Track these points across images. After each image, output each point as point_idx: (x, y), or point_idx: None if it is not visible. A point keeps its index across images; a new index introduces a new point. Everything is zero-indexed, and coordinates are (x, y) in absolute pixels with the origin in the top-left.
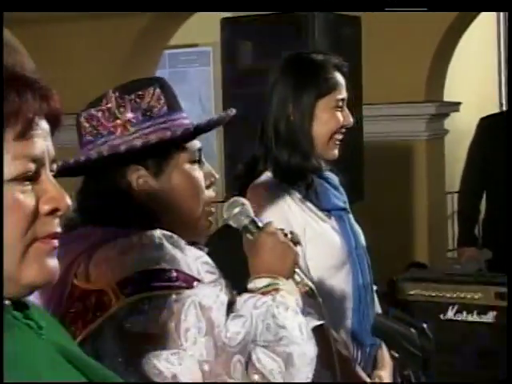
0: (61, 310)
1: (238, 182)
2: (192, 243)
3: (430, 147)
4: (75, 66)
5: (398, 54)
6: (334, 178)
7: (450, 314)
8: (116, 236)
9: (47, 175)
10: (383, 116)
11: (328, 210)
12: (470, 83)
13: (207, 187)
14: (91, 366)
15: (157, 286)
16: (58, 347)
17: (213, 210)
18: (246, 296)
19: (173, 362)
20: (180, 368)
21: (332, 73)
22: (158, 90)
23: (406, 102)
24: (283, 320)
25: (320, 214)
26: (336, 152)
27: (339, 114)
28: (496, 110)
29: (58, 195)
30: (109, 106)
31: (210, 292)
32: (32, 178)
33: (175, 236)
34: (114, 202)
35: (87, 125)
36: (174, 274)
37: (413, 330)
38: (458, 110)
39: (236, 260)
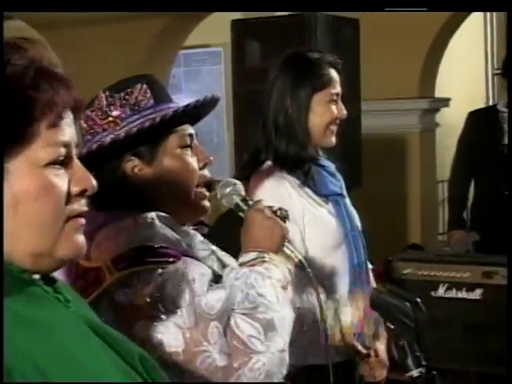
0: None
1: (244, 170)
2: (195, 225)
3: (423, 139)
4: (96, 65)
5: (393, 54)
6: (331, 166)
7: (441, 291)
8: (115, 219)
9: (75, 159)
10: (380, 110)
11: (325, 196)
12: (459, 81)
13: (201, 169)
14: (117, 339)
15: (145, 261)
16: (84, 320)
17: (206, 192)
18: (229, 269)
19: (158, 330)
20: (165, 336)
21: (327, 70)
22: (144, 86)
23: (400, 97)
24: (261, 289)
25: (317, 198)
26: (333, 140)
27: (333, 107)
28: (483, 105)
29: (86, 177)
30: (100, 105)
31: (193, 265)
32: (63, 162)
33: (168, 216)
34: (113, 189)
35: (85, 125)
36: (162, 251)
37: (407, 304)
38: (447, 106)
39: (237, 240)
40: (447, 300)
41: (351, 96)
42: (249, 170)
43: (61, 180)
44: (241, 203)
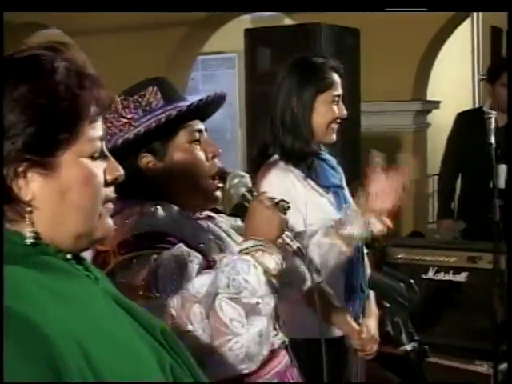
0: None
1: (253, 163)
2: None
3: (416, 137)
4: (121, 70)
5: (390, 61)
6: (332, 160)
7: (431, 274)
8: (128, 207)
9: (106, 151)
10: (377, 111)
11: (326, 187)
12: (449, 85)
13: (211, 159)
14: (140, 313)
15: (144, 247)
16: (111, 295)
17: (219, 184)
18: (221, 256)
19: (151, 309)
20: (156, 315)
21: (329, 73)
22: (155, 88)
23: (396, 100)
24: (246, 276)
25: (319, 189)
26: (334, 137)
27: (335, 108)
28: (470, 107)
29: (116, 167)
30: (116, 108)
31: (185, 252)
32: (99, 154)
33: (173, 206)
34: (130, 181)
35: (104, 126)
36: (160, 238)
37: (402, 285)
38: (438, 107)
39: None
40: (436, 282)
41: (352, 98)
42: (258, 163)
43: (99, 170)
44: (247, 194)
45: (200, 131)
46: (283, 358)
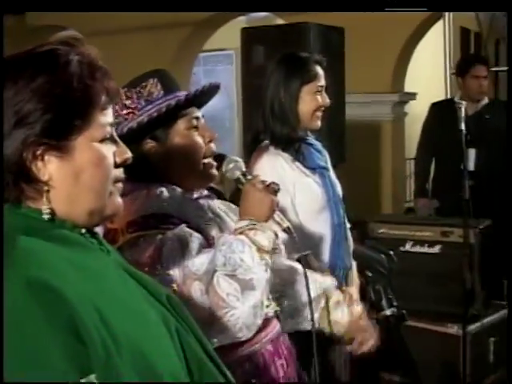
0: None
1: (247, 148)
2: (206, 196)
3: (394, 125)
4: (128, 67)
5: (372, 57)
6: (318, 144)
7: (408, 246)
8: (136, 189)
9: (115, 136)
10: (360, 102)
11: (312, 168)
12: (424, 79)
13: (208, 143)
14: (148, 281)
15: (150, 227)
16: (122, 267)
17: (213, 162)
18: (219, 235)
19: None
20: None
21: (313, 66)
22: (155, 80)
23: (376, 92)
24: (241, 254)
25: (306, 171)
26: (318, 124)
27: (319, 97)
28: (442, 98)
29: (125, 150)
30: (121, 99)
31: (188, 233)
32: (109, 138)
33: (177, 188)
34: (135, 166)
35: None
36: (165, 219)
37: (383, 256)
38: (414, 99)
39: None
40: (413, 254)
41: (337, 89)
42: (251, 148)
43: (109, 153)
44: (241, 177)
45: (197, 118)
46: (275, 326)
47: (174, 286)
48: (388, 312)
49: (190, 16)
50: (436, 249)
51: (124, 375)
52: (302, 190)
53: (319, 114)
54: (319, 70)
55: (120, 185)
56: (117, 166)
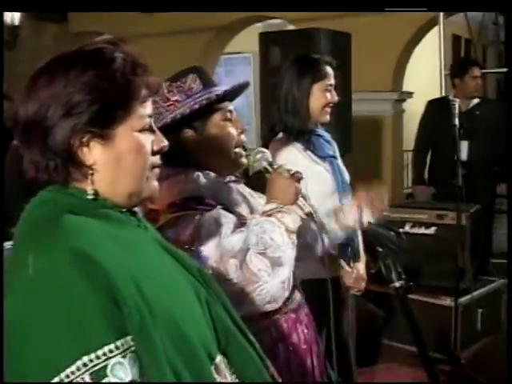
0: None
1: (263, 139)
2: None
3: (394, 121)
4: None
5: (375, 59)
6: (327, 135)
7: (407, 228)
8: (175, 174)
9: (154, 126)
10: (365, 99)
11: (322, 157)
12: (420, 79)
13: (239, 135)
14: (181, 256)
15: (189, 208)
16: (158, 242)
17: (242, 151)
18: (251, 217)
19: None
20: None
21: (323, 66)
22: (195, 75)
23: (379, 90)
24: (272, 234)
25: (317, 159)
26: (327, 118)
27: (328, 94)
28: (437, 96)
29: (162, 139)
30: (163, 92)
31: (223, 214)
32: (148, 128)
33: (211, 173)
34: (174, 152)
35: (153, 107)
36: (202, 201)
37: (392, 233)
38: (411, 97)
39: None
40: (411, 234)
41: (345, 88)
42: (266, 138)
43: (147, 141)
44: (268, 166)
45: (231, 111)
46: (297, 296)
47: (211, 262)
48: (397, 284)
49: (213, 21)
50: (432, 230)
51: (157, 340)
52: (313, 177)
53: (328, 109)
54: (329, 69)
55: (157, 170)
56: (154, 153)
